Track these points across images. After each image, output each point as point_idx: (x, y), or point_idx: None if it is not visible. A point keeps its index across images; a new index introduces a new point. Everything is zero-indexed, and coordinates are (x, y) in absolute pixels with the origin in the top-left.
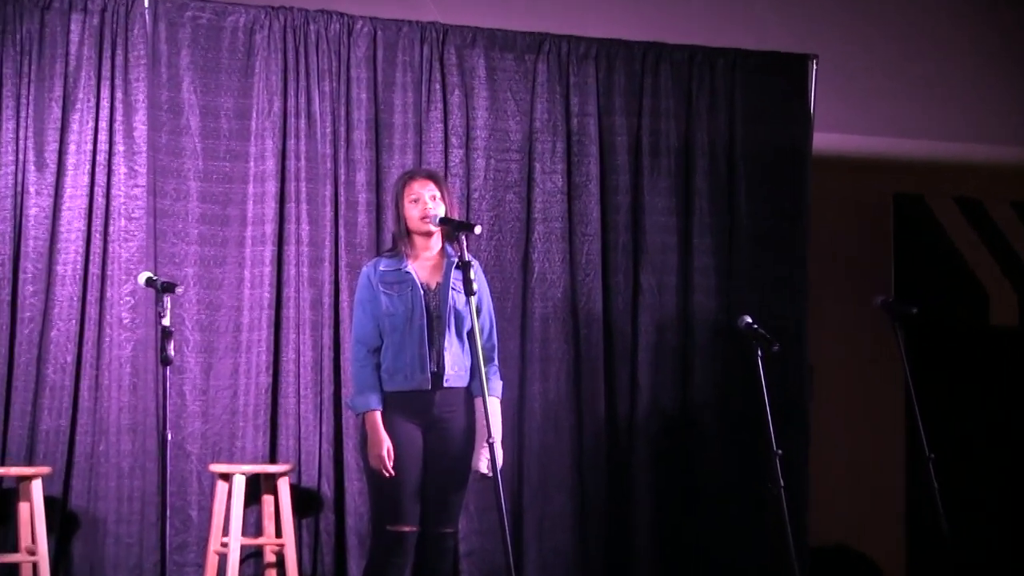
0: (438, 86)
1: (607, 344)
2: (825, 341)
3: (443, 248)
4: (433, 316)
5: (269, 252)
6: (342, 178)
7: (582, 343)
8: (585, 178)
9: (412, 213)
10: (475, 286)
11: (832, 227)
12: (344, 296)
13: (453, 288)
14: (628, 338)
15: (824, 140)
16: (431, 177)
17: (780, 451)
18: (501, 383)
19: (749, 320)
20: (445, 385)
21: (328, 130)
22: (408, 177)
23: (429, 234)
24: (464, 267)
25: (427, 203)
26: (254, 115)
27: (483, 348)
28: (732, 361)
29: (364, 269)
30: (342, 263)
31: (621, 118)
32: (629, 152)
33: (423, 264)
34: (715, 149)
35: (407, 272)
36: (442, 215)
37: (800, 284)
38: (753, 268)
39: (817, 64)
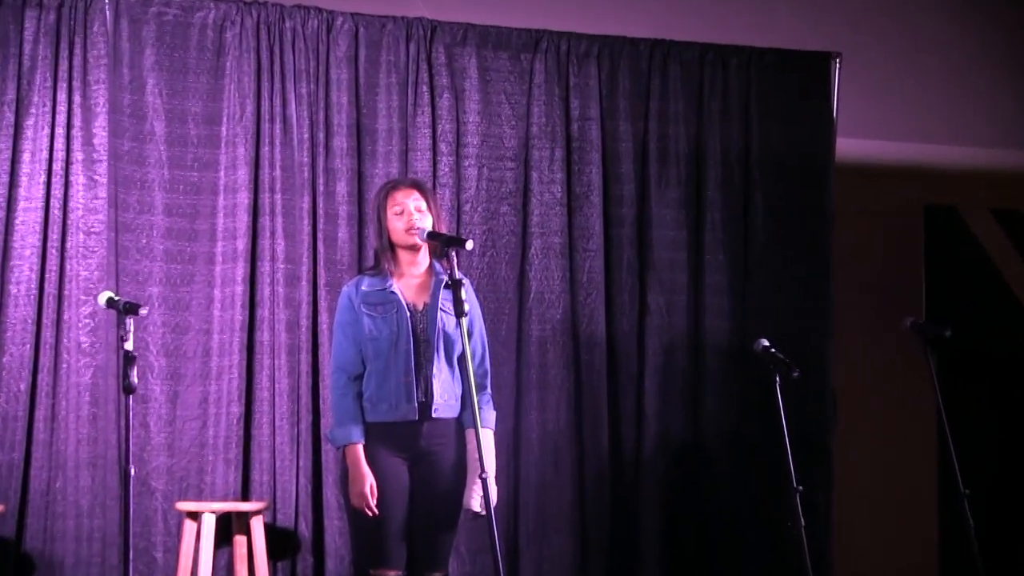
0: (425, 88)
1: (611, 370)
2: (850, 366)
3: (431, 265)
4: (420, 340)
5: (241, 270)
6: (321, 189)
7: (583, 369)
8: (586, 188)
9: (396, 226)
10: (466, 307)
11: (857, 241)
12: (323, 318)
13: (442, 309)
14: (634, 363)
15: (848, 146)
16: (416, 186)
17: (801, 487)
18: (495, 413)
19: (766, 343)
20: (433, 415)
21: (306, 136)
22: (391, 187)
23: (415, 249)
24: (454, 286)
25: (412, 214)
26: (225, 120)
27: (475, 375)
28: (748, 388)
29: (344, 289)
30: (321, 282)
31: (626, 123)
32: (634, 160)
33: (409, 283)
34: (729, 156)
35: (392, 292)
36: (429, 228)
37: (822, 304)
38: (771, 286)
39: (840, 63)
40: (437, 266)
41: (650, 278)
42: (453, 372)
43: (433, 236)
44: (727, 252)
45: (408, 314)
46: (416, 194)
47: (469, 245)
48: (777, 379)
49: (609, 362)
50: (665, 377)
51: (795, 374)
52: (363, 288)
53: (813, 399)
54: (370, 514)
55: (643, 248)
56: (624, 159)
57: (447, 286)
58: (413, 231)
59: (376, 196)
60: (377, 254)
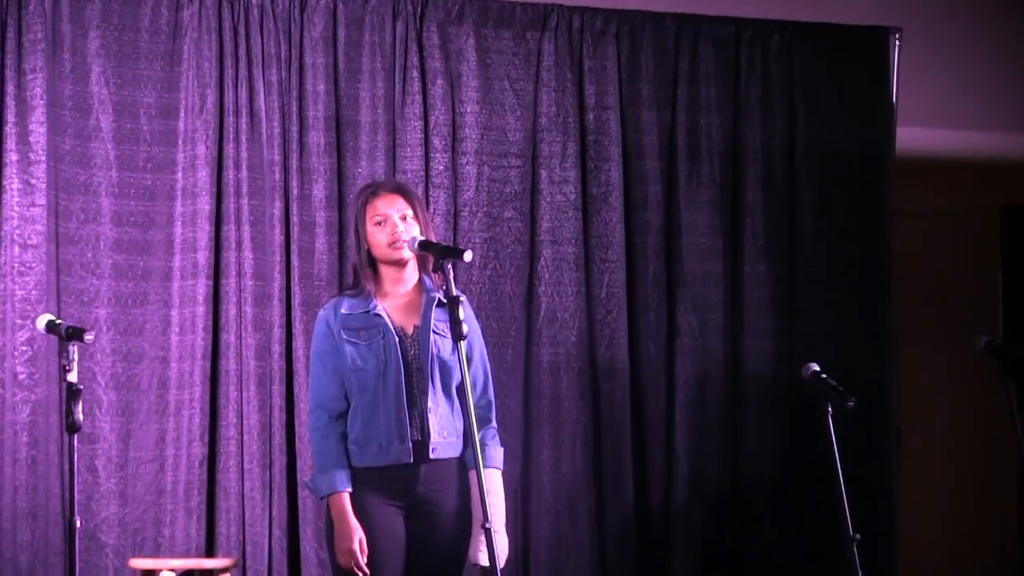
0: (416, 73)
1: (635, 401)
2: (915, 394)
3: (419, 281)
4: (412, 369)
5: (203, 287)
6: (295, 192)
7: (603, 400)
8: (604, 189)
9: (377, 238)
10: (465, 328)
11: (923, 248)
12: (298, 343)
13: (435, 331)
14: (662, 394)
15: (910, 136)
16: (399, 191)
17: (858, 535)
18: (502, 450)
19: (816, 369)
20: (431, 456)
21: (277, 131)
22: (370, 193)
23: (401, 264)
24: (450, 304)
25: (396, 224)
26: (182, 113)
27: (476, 407)
28: (795, 421)
29: (321, 313)
30: (295, 300)
31: (650, 112)
32: (661, 155)
33: (395, 303)
34: (771, 150)
35: (376, 314)
36: (419, 237)
37: (882, 322)
38: (821, 302)
39: (900, 39)
40: (427, 281)
41: (680, 294)
42: (452, 405)
43: (426, 246)
44: (770, 263)
45: (396, 339)
46: (400, 201)
47: (468, 256)
48: (830, 410)
49: (633, 392)
50: (699, 410)
51: (850, 404)
52: (342, 311)
53: (872, 433)
54: (360, 574)
55: (672, 259)
56: (648, 154)
57: (440, 304)
58: (397, 245)
59: (354, 203)
60: (355, 270)
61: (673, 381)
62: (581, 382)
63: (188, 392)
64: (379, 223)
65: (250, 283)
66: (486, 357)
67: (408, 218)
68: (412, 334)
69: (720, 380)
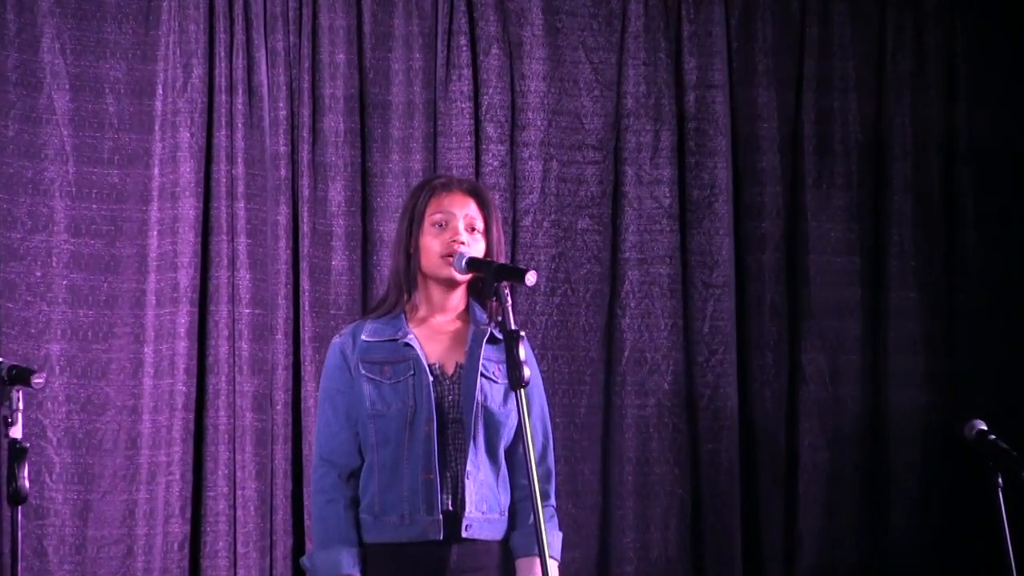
0: (464, 40)
1: (746, 466)
2: None
3: (468, 308)
4: (448, 419)
5: (185, 317)
6: (305, 193)
7: (704, 465)
8: (708, 192)
9: (430, 244)
10: (526, 372)
11: None
12: (309, 389)
13: (484, 374)
14: (782, 456)
15: None
16: (475, 194)
17: None
18: (560, 535)
19: (983, 427)
20: (465, 535)
21: (282, 115)
22: (439, 184)
23: (451, 284)
24: (508, 340)
25: (458, 231)
26: (160, 90)
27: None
28: (955, 495)
29: (336, 340)
30: (305, 335)
31: (768, 92)
32: (782, 149)
33: (434, 332)
34: (924, 144)
35: (406, 344)
36: (469, 255)
37: None
38: (989, 340)
39: None
40: (477, 310)
41: (806, 328)
42: (497, 472)
43: (475, 265)
44: (922, 289)
45: (430, 379)
46: (473, 206)
47: (531, 279)
48: (999, 481)
49: (744, 455)
50: (830, 476)
51: None
52: (364, 338)
53: None
54: None
55: (795, 282)
56: (766, 148)
57: (492, 340)
58: (450, 260)
59: (413, 194)
60: (392, 281)
61: (796, 441)
62: (677, 442)
63: (165, 453)
64: (439, 224)
65: (246, 311)
66: (547, 412)
67: (478, 231)
68: (453, 375)
69: (857, 440)
